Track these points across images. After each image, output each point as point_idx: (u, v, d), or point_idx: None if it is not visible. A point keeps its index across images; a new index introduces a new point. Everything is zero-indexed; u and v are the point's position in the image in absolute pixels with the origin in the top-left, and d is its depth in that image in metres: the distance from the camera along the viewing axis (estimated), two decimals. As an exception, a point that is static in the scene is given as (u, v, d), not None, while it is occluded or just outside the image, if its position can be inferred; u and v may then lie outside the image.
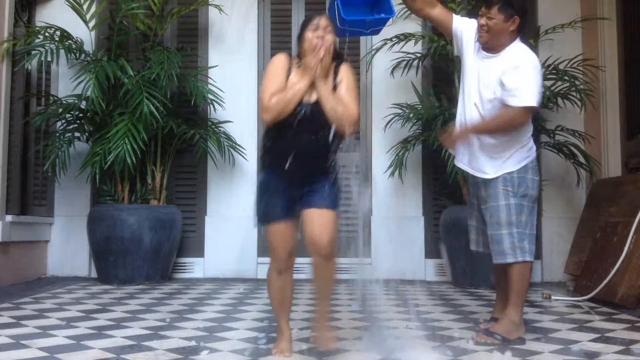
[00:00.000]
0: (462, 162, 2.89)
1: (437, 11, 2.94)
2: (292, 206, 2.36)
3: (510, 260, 2.71)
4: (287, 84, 2.33)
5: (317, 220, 2.31)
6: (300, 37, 2.41)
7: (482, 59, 2.79)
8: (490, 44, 2.74)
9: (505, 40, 2.74)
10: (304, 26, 2.41)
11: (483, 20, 2.72)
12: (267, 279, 2.49)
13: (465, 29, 2.88)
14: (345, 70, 2.41)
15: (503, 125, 2.69)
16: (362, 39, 5.41)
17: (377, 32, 2.83)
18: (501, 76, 2.66)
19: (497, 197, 2.74)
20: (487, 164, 2.77)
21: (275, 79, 2.33)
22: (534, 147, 2.85)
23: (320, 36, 2.34)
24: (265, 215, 2.39)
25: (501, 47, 2.74)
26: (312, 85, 2.32)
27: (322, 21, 2.38)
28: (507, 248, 2.71)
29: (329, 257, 2.33)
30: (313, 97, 2.32)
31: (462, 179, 4.75)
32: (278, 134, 2.34)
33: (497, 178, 2.74)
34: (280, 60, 2.39)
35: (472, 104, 2.78)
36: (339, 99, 2.32)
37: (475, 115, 2.76)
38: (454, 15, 2.95)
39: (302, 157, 2.31)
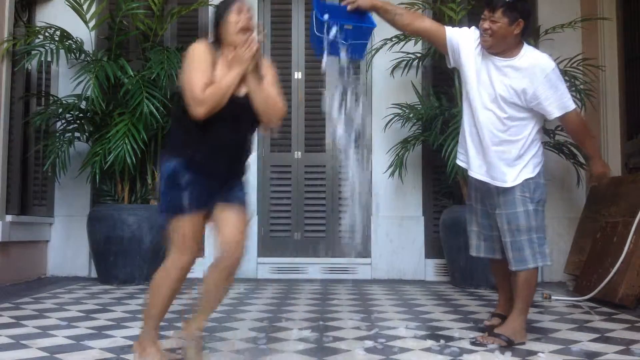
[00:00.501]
0: (480, 172, 2.79)
1: (428, 24, 2.85)
2: (206, 200, 2.20)
3: (531, 266, 2.68)
4: (215, 75, 2.16)
5: (237, 225, 2.21)
6: (219, 21, 2.23)
7: (494, 63, 2.72)
8: (495, 48, 2.69)
9: (510, 44, 2.69)
10: (223, 9, 2.24)
11: (486, 24, 2.66)
12: (160, 276, 2.21)
13: (460, 38, 2.80)
14: (267, 65, 2.31)
15: (588, 130, 2.81)
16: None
17: (359, 53, 2.77)
18: (530, 86, 2.64)
19: (515, 203, 2.69)
20: (508, 171, 2.71)
21: (203, 70, 2.13)
22: (543, 151, 2.85)
23: (248, 18, 2.21)
24: (179, 206, 2.15)
25: (507, 51, 2.70)
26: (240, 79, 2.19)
27: (244, 4, 2.26)
28: (528, 254, 2.68)
29: (239, 262, 2.22)
30: (242, 91, 2.20)
31: (462, 179, 4.75)
32: (202, 127, 2.15)
33: (514, 185, 2.71)
34: (203, 51, 2.18)
35: (486, 109, 2.71)
36: (266, 93, 2.22)
37: (492, 119, 2.70)
38: (445, 27, 2.85)
39: (226, 155, 2.21)
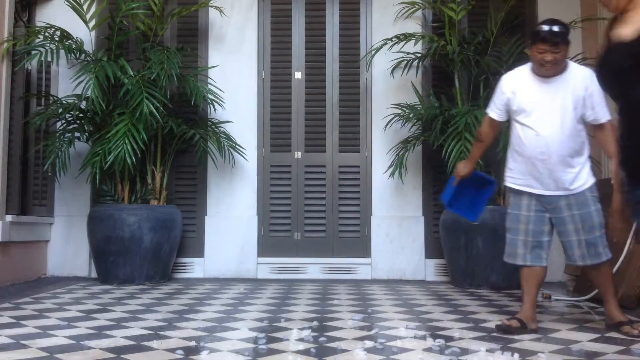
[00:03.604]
0: (549, 189, 2.96)
1: (491, 132, 3.21)
2: None
3: (604, 259, 2.95)
4: None
5: None
6: None
7: (550, 84, 2.93)
8: (556, 72, 2.91)
9: (565, 63, 2.94)
10: None
11: (550, 57, 2.84)
12: None
13: (505, 101, 3.05)
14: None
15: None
16: (362, 38, 5.42)
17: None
18: (586, 92, 2.88)
19: (587, 203, 2.94)
20: (576, 179, 2.94)
21: None
22: None
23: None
24: None
25: (563, 69, 2.93)
26: None
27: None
28: (600, 249, 2.94)
29: None
30: None
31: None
32: None
33: (584, 187, 2.96)
34: None
35: (557, 127, 2.89)
36: None
37: (564, 134, 2.90)
38: (490, 115, 3.14)
39: None
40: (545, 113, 2.92)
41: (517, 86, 3.01)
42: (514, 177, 3.06)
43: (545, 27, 2.86)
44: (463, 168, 3.29)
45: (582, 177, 2.95)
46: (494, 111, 3.12)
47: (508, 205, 3.14)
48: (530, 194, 3.00)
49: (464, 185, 3.32)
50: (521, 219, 3.03)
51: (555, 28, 2.85)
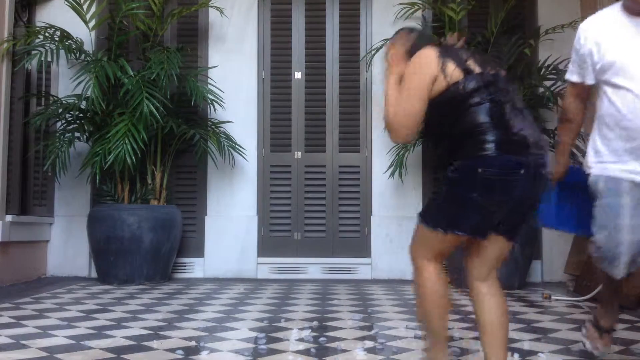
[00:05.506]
0: None
1: (579, 108, 2.48)
2: None
3: None
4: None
5: None
6: None
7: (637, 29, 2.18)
8: None
9: None
10: None
11: None
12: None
13: (590, 58, 2.27)
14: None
15: None
16: (362, 38, 5.42)
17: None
18: None
19: None
20: None
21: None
22: None
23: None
24: None
25: None
26: None
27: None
28: None
29: None
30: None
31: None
32: None
33: None
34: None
35: None
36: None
37: None
38: (575, 79, 2.38)
39: None
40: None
41: (601, 34, 2.21)
42: (607, 161, 2.22)
43: None
44: (557, 165, 2.44)
45: None
46: (574, 73, 2.33)
47: (599, 196, 2.23)
48: (632, 183, 2.16)
49: (562, 192, 2.53)
50: (624, 211, 2.15)
51: None
